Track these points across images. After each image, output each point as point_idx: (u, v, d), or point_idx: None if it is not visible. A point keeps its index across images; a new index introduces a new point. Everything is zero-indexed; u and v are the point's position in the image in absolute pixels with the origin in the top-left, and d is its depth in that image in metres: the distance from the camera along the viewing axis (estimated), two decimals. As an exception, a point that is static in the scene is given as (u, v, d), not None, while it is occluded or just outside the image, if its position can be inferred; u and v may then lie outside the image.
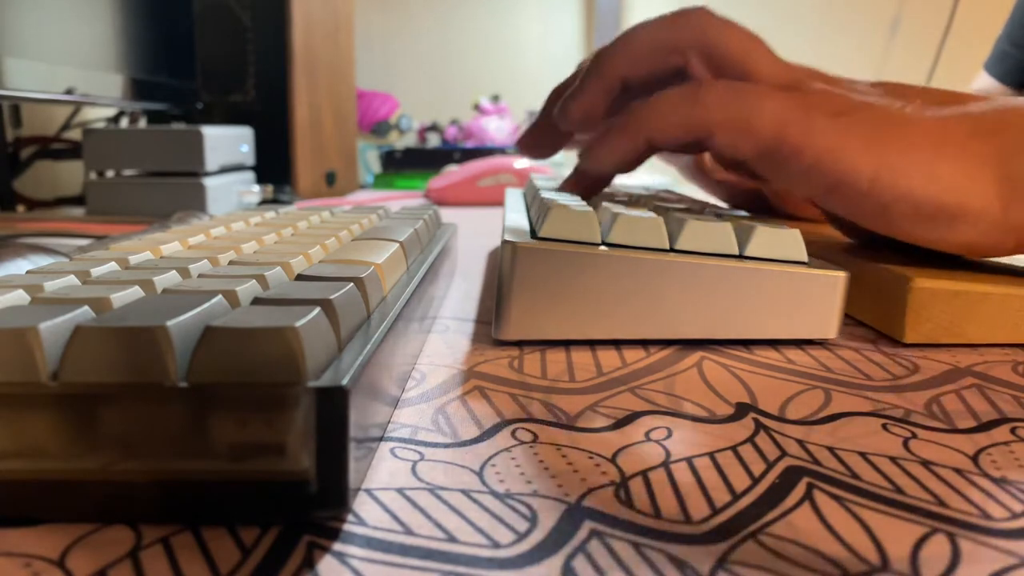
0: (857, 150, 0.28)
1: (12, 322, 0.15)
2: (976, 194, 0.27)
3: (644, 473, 0.18)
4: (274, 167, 0.77)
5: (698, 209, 0.34)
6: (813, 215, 0.50)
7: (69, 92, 0.52)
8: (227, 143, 0.65)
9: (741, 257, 0.28)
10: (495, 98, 1.22)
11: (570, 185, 0.35)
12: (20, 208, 0.70)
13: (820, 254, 0.35)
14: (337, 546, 0.14)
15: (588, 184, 0.35)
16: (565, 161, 1.05)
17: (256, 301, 0.18)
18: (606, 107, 0.34)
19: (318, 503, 0.14)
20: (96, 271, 0.21)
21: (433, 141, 1.19)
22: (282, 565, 0.14)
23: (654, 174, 1.10)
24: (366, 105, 1.11)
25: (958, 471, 0.18)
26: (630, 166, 0.33)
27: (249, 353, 0.14)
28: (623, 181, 0.67)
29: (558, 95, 0.40)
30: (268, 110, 0.78)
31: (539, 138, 0.39)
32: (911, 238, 0.29)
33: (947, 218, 0.28)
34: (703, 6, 0.32)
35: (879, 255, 0.33)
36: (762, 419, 0.21)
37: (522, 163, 0.83)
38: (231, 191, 0.65)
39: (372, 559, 0.14)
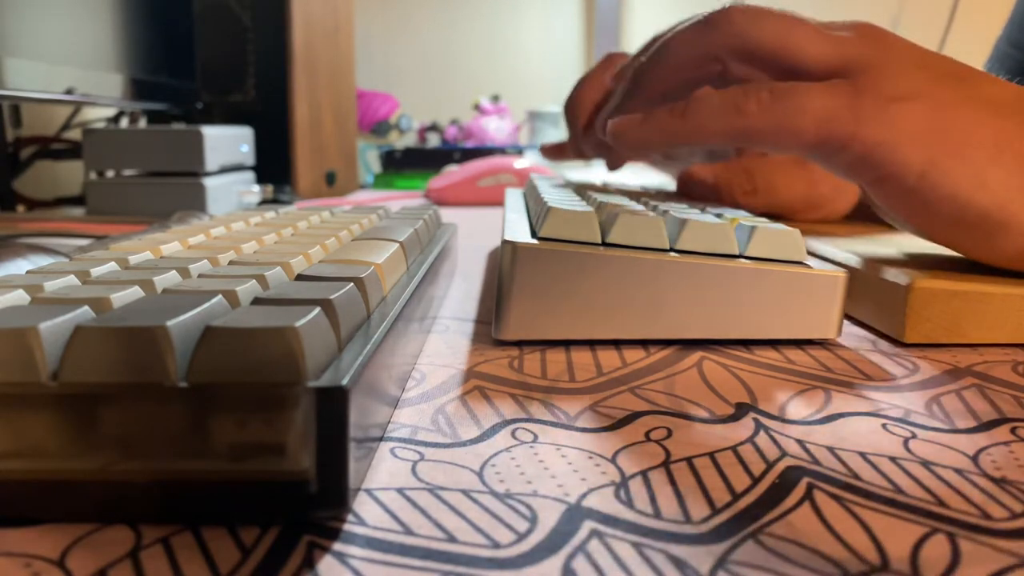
0: (909, 143, 0.27)
1: (12, 322, 0.15)
2: (1022, 207, 0.27)
3: (644, 473, 0.18)
4: (274, 167, 0.77)
5: (698, 209, 0.34)
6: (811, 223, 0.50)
7: (69, 92, 0.52)
8: (227, 143, 0.65)
9: (741, 257, 0.28)
10: (495, 98, 1.22)
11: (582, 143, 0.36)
12: (20, 208, 0.70)
13: (820, 254, 0.35)
14: (337, 546, 0.14)
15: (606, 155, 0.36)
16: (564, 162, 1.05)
17: (256, 301, 0.18)
18: None
19: (318, 503, 0.14)
20: (96, 271, 0.21)
21: (433, 141, 1.19)
22: (282, 565, 0.14)
23: (654, 174, 1.10)
24: (366, 105, 1.11)
25: (958, 471, 0.18)
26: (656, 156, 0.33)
27: (249, 353, 0.14)
28: (623, 181, 0.67)
29: (579, 98, 0.41)
30: (268, 110, 0.78)
31: (566, 148, 0.41)
32: (948, 242, 0.29)
33: (988, 228, 0.27)
34: (732, 6, 0.30)
35: (879, 255, 0.33)
36: (762, 419, 0.21)
37: (522, 163, 0.83)
38: (231, 191, 0.65)
39: (372, 559, 0.14)
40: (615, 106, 0.34)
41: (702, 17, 0.31)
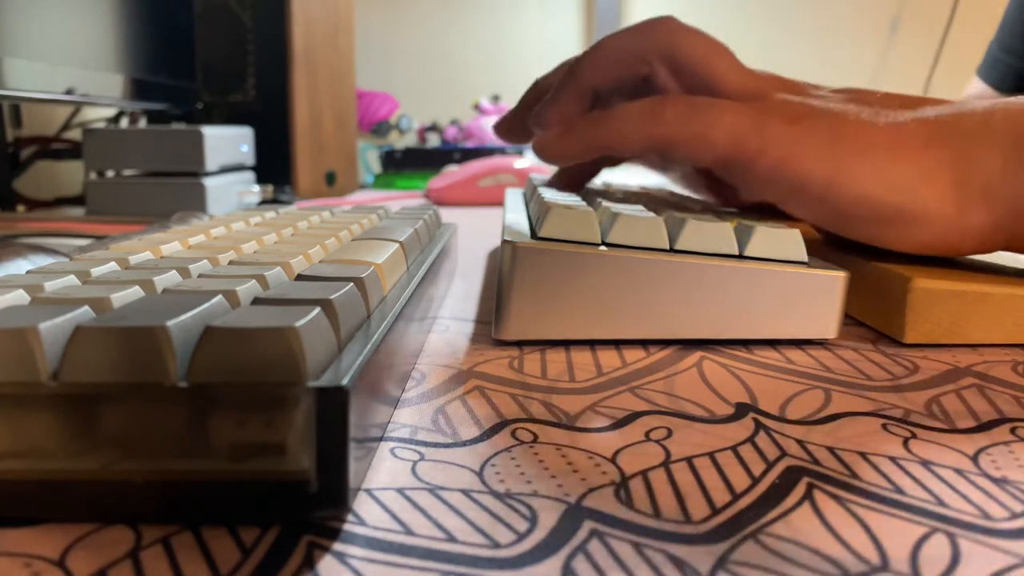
0: (812, 155, 0.29)
1: (12, 322, 0.15)
2: (932, 197, 0.28)
3: (644, 473, 0.18)
4: (274, 167, 0.77)
5: (698, 209, 0.34)
6: None
7: (69, 92, 0.52)
8: (227, 143, 0.65)
9: (741, 257, 0.28)
10: (495, 98, 1.22)
11: (555, 180, 0.40)
12: (20, 208, 0.70)
13: (820, 254, 0.35)
14: (337, 546, 0.14)
15: (570, 178, 0.40)
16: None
17: (256, 301, 0.18)
18: (579, 114, 0.35)
19: (318, 503, 0.14)
20: (96, 271, 0.21)
21: (433, 141, 1.19)
22: (282, 565, 0.14)
23: (653, 174, 1.10)
24: (366, 105, 1.11)
25: (958, 471, 0.18)
26: (582, 166, 0.35)
27: (249, 353, 0.14)
28: (622, 181, 0.67)
29: (537, 88, 0.42)
30: (268, 110, 0.78)
31: (516, 126, 0.41)
32: (870, 239, 0.30)
33: (904, 221, 0.28)
34: (670, 16, 0.33)
35: (879, 255, 0.33)
36: (762, 419, 0.21)
37: (522, 163, 0.83)
38: (231, 191, 0.65)
39: (372, 559, 0.14)
40: (550, 97, 0.36)
41: (641, 22, 0.34)
